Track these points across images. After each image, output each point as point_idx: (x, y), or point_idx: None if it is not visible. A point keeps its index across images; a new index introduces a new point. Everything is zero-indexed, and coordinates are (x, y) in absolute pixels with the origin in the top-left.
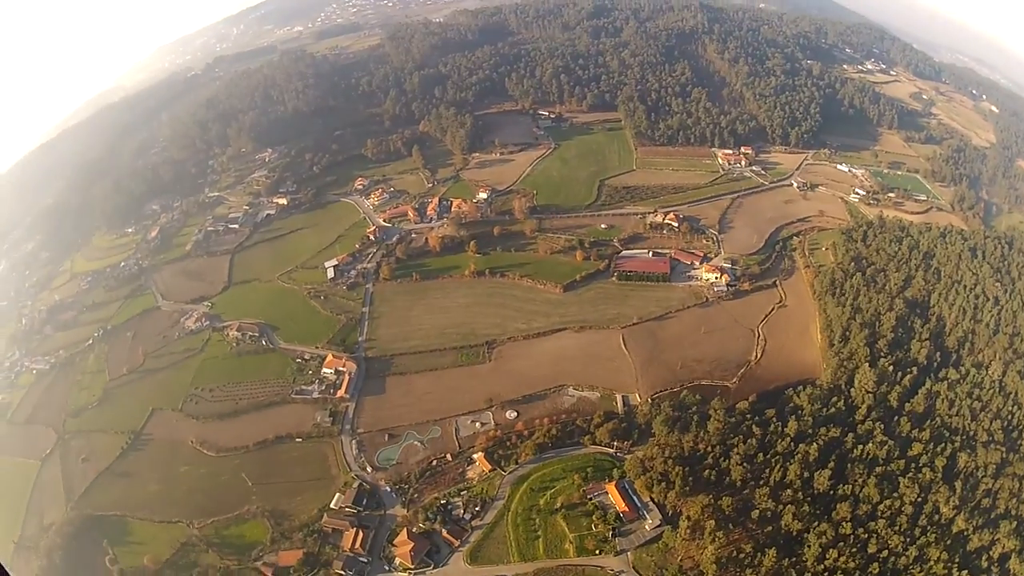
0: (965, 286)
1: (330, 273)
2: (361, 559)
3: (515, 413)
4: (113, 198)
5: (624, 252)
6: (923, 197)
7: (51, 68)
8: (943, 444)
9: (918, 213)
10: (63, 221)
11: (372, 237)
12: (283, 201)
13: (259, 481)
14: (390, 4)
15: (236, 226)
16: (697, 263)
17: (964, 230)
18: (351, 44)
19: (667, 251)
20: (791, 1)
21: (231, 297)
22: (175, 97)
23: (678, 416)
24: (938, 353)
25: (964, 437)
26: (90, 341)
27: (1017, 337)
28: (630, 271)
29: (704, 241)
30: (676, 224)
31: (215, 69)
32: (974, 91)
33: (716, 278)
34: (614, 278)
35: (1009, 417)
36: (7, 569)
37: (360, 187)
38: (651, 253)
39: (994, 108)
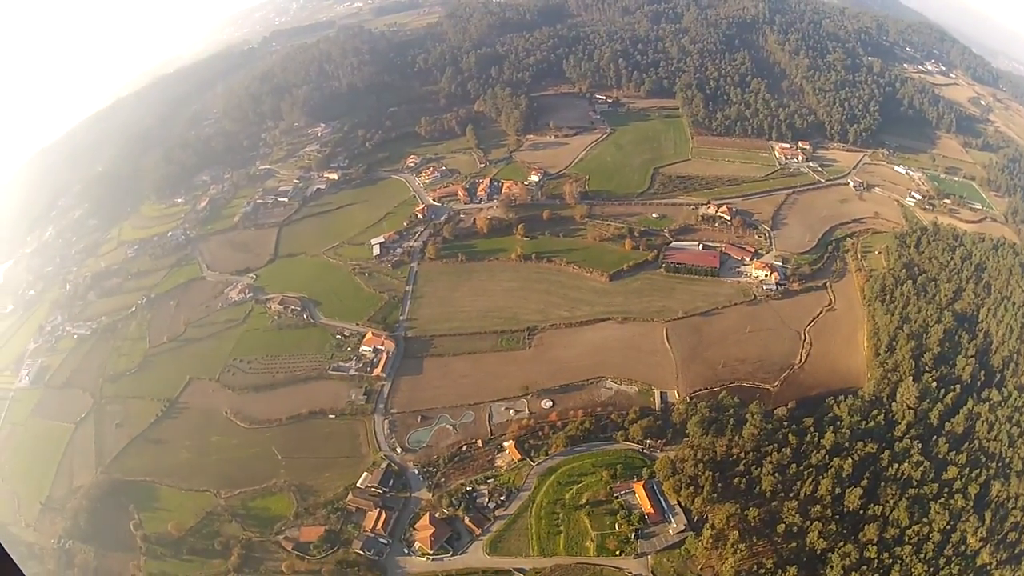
0: (1014, 303)
1: (376, 250)
2: (381, 540)
3: (550, 403)
4: (164, 168)
5: (674, 243)
6: (978, 206)
7: (115, 37)
8: (978, 470)
9: (972, 222)
10: (113, 189)
11: (420, 215)
12: (334, 176)
13: (289, 455)
14: None
15: (285, 199)
16: (747, 259)
17: (1016, 244)
18: (409, 21)
19: (718, 245)
20: None
21: (276, 270)
22: (230, 69)
23: (714, 418)
24: (982, 372)
25: (1000, 464)
26: (133, 308)
27: None
28: (679, 263)
29: (756, 236)
30: (728, 217)
31: (272, 43)
32: None
33: (766, 276)
34: (662, 269)
35: None
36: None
37: (412, 165)
38: (701, 246)
39: None
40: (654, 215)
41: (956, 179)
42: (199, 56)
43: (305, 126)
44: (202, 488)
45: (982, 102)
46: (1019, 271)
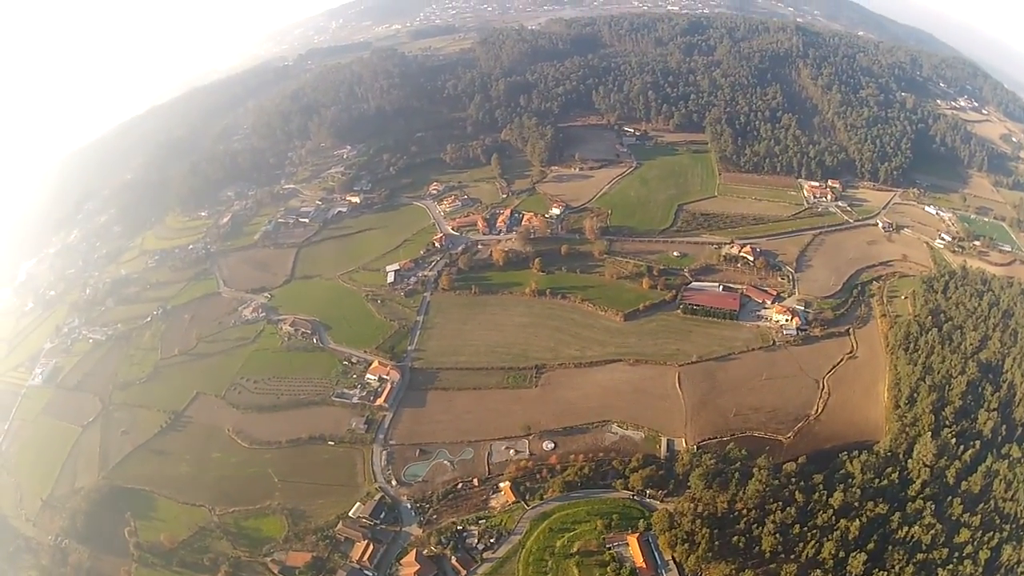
0: None
1: (390, 277)
2: (367, 572)
3: (552, 444)
4: (190, 180)
5: (693, 284)
6: (1007, 248)
7: (160, 45)
8: (992, 532)
9: (1002, 265)
10: (139, 197)
11: (438, 244)
12: (356, 199)
13: (285, 478)
14: (489, 8)
15: (306, 220)
16: (769, 302)
17: None
18: (444, 46)
19: (739, 286)
20: (889, 30)
21: (291, 291)
22: (264, 85)
23: (720, 470)
24: (1004, 426)
25: (1014, 526)
26: (149, 318)
27: None
28: (697, 305)
29: (779, 279)
30: (752, 258)
31: (307, 61)
32: None
33: (787, 320)
34: (679, 311)
35: None
36: None
37: (434, 192)
38: (721, 287)
39: None
40: (675, 253)
41: (986, 220)
42: (235, 70)
43: (331, 147)
44: (198, 503)
45: (1014, 139)
46: None
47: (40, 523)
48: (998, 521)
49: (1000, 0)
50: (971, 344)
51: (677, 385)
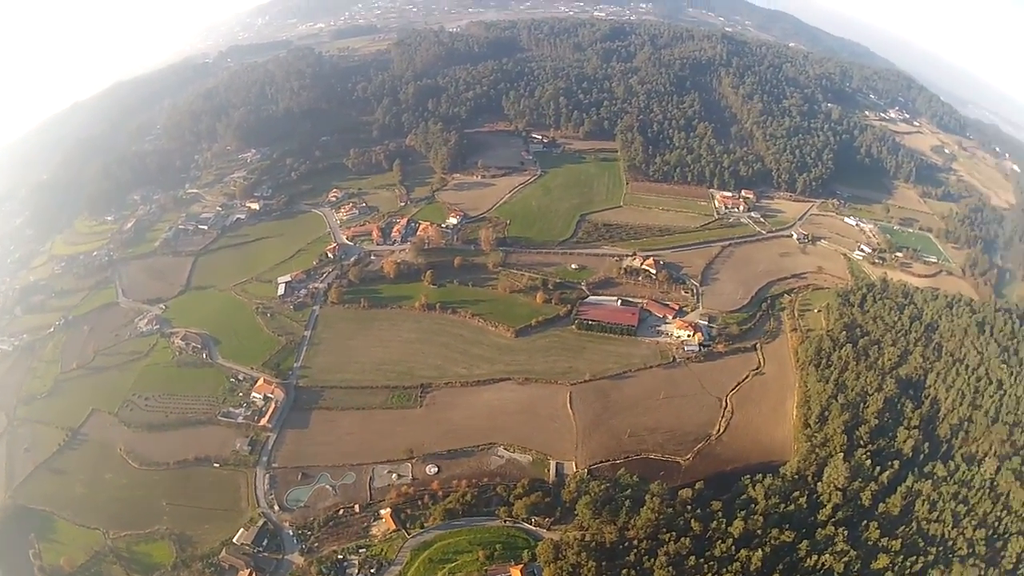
0: (967, 366)
1: (280, 290)
2: None
3: (436, 468)
4: (100, 183)
5: (590, 298)
6: (933, 259)
7: (90, 40)
8: (915, 556)
9: (926, 276)
10: (52, 199)
11: (331, 255)
12: (255, 206)
13: (173, 502)
14: (414, 9)
15: (205, 227)
16: (670, 317)
17: (974, 300)
18: (362, 46)
19: (639, 300)
20: (824, 43)
21: (185, 302)
22: (182, 83)
23: (609, 497)
24: (927, 443)
25: (941, 549)
26: (52, 329)
27: (1017, 428)
28: (592, 320)
29: (683, 292)
30: (654, 271)
31: (227, 59)
32: (997, 148)
33: (688, 336)
34: (574, 326)
35: (996, 524)
36: None
37: (333, 199)
38: (620, 301)
39: (1016, 168)
40: (573, 266)
41: (911, 231)
42: (159, 66)
43: (236, 150)
44: (93, 525)
45: (946, 151)
46: (975, 330)
47: None
48: (922, 544)
49: (940, 17)
50: (889, 359)
51: (568, 405)
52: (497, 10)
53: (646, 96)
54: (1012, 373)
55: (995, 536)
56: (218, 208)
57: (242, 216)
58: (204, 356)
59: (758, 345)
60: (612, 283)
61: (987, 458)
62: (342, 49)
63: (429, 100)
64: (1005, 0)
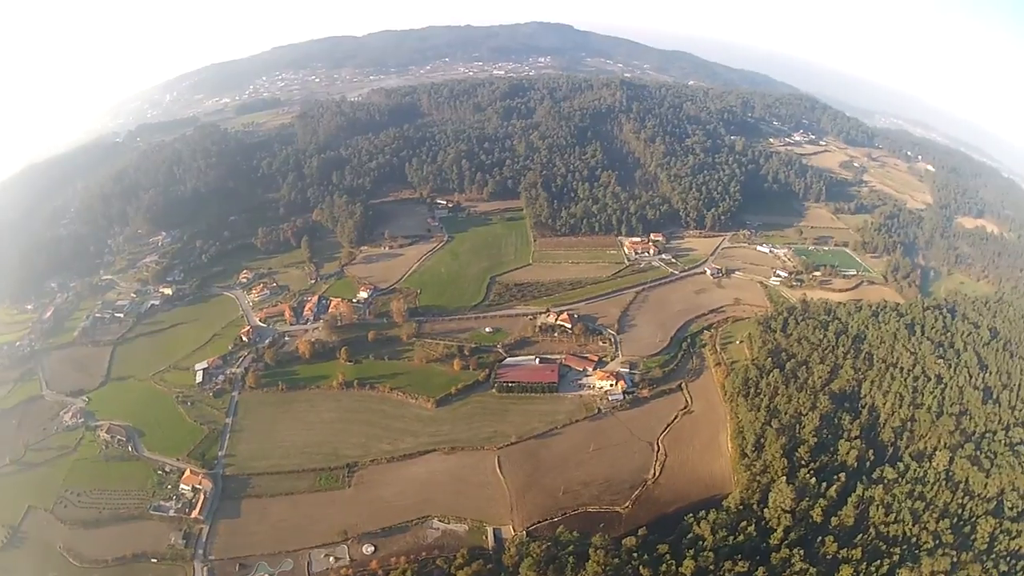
0: (902, 368)
1: (199, 377)
2: None
3: (372, 548)
4: (18, 271)
5: (507, 360)
6: (853, 272)
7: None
8: (878, 560)
9: (847, 290)
10: None
11: (245, 338)
12: (168, 291)
13: None
14: (317, 80)
15: (121, 315)
16: (591, 369)
17: (899, 304)
18: (267, 120)
19: (557, 357)
20: (723, 77)
21: (107, 393)
22: (94, 164)
23: (552, 556)
24: (871, 451)
25: (905, 547)
26: None
27: (965, 416)
28: (512, 382)
29: (600, 343)
30: (569, 325)
31: (136, 138)
32: (909, 153)
33: (611, 386)
34: (494, 390)
35: (959, 511)
36: None
37: (244, 280)
38: (538, 360)
39: (930, 167)
40: (488, 329)
41: (827, 249)
42: (71, 146)
43: (147, 234)
44: None
45: (855, 164)
46: (905, 333)
47: None
48: (884, 547)
49: (836, 35)
50: (820, 377)
51: (498, 470)
52: (398, 75)
53: (548, 151)
54: (950, 365)
55: (961, 523)
56: (132, 295)
57: (156, 302)
58: (130, 449)
59: (683, 384)
60: (528, 342)
61: (938, 452)
62: (247, 124)
63: (333, 172)
64: (894, 10)
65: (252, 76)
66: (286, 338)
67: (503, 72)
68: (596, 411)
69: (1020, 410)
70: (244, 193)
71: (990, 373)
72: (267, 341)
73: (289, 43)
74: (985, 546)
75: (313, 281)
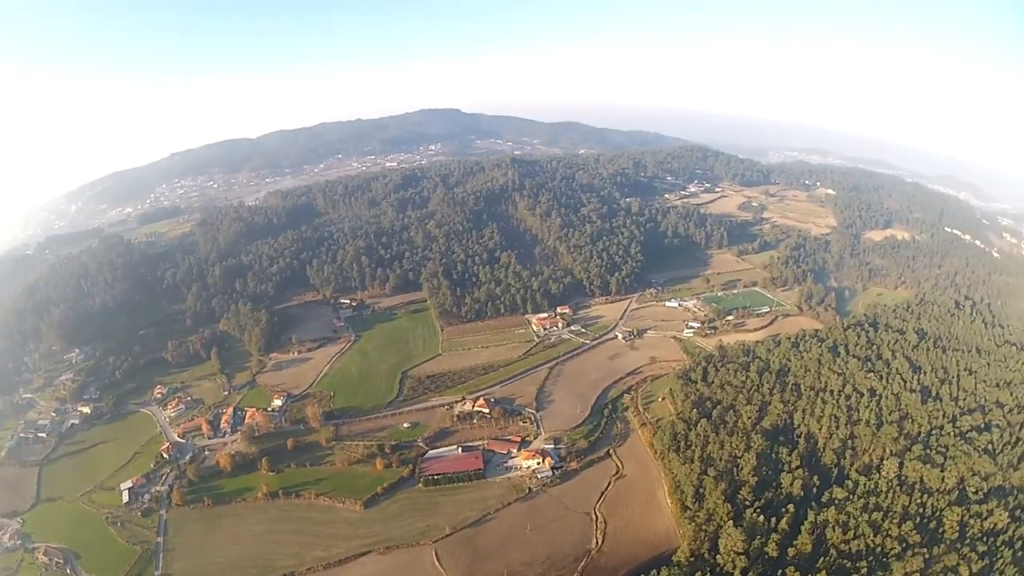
0: (832, 391)
1: (125, 496)
2: None
3: None
4: None
5: (430, 453)
6: (766, 309)
7: None
8: None
9: (763, 328)
10: None
11: (166, 455)
12: (87, 409)
13: None
14: (215, 185)
15: (44, 435)
16: (515, 450)
17: (819, 330)
18: (169, 230)
19: (479, 443)
20: (613, 141)
21: (40, 514)
22: (7, 278)
23: None
24: (815, 477)
25: (871, 559)
26: None
27: (907, 420)
28: (437, 474)
29: (522, 423)
30: (487, 410)
31: (46, 250)
32: (806, 182)
33: (538, 464)
34: (421, 484)
35: (920, 511)
36: None
37: (159, 396)
38: (460, 448)
39: (830, 191)
40: (406, 425)
41: (736, 292)
42: None
43: (61, 350)
44: None
45: (754, 204)
46: (829, 356)
47: None
48: (848, 564)
49: (720, 79)
50: (749, 418)
51: (437, 563)
52: (293, 176)
53: (445, 238)
54: (881, 377)
55: (925, 521)
56: (53, 414)
57: (76, 421)
58: (68, 572)
59: (611, 451)
60: (448, 432)
61: (885, 461)
62: (149, 235)
63: (236, 280)
64: (772, 46)
65: (152, 184)
66: (206, 452)
67: (395, 163)
68: (527, 491)
69: (963, 399)
70: (151, 306)
71: (924, 373)
72: (188, 457)
73: (186, 148)
74: (956, 535)
75: (226, 393)
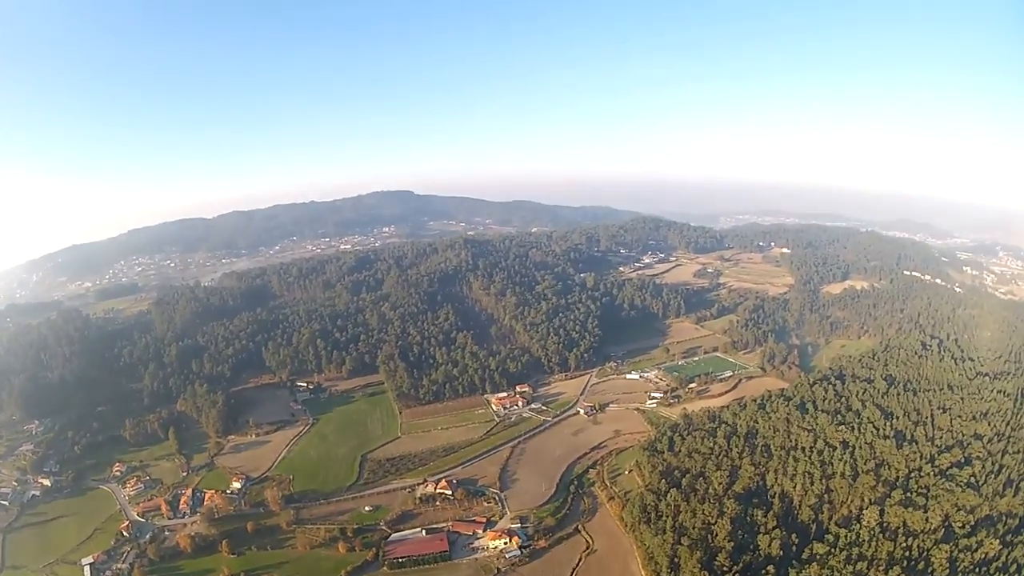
0: (803, 448)
1: (87, 572)
2: None
3: None
4: None
5: (393, 536)
6: (729, 373)
7: None
8: None
9: (727, 392)
10: None
11: (126, 533)
12: (47, 482)
13: None
14: (172, 264)
15: (6, 503)
16: (480, 531)
17: (784, 389)
18: (126, 307)
19: (443, 525)
20: (565, 218)
21: None
22: None
23: None
24: (793, 535)
25: None
26: None
27: (883, 467)
28: (402, 557)
29: (486, 503)
30: (450, 492)
31: (7, 318)
32: (760, 243)
33: (505, 543)
34: (385, 568)
35: (906, 554)
36: None
37: (117, 473)
38: (424, 531)
39: (785, 250)
40: (367, 508)
41: (697, 359)
42: None
43: (21, 421)
44: None
45: (709, 270)
46: (797, 414)
47: None
48: None
49: (668, 147)
50: (720, 484)
51: None
52: (248, 257)
53: (400, 320)
54: (853, 428)
55: (912, 563)
56: (14, 483)
57: (37, 493)
58: None
59: (580, 527)
60: (411, 515)
61: (865, 511)
62: (107, 311)
63: (192, 361)
64: (719, 111)
65: (111, 259)
66: (166, 532)
67: (350, 246)
68: (495, 571)
69: (940, 438)
70: (108, 382)
71: (897, 418)
72: (148, 536)
73: (144, 225)
74: (946, 572)
75: (185, 473)
